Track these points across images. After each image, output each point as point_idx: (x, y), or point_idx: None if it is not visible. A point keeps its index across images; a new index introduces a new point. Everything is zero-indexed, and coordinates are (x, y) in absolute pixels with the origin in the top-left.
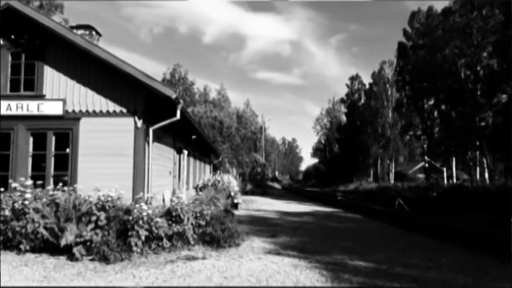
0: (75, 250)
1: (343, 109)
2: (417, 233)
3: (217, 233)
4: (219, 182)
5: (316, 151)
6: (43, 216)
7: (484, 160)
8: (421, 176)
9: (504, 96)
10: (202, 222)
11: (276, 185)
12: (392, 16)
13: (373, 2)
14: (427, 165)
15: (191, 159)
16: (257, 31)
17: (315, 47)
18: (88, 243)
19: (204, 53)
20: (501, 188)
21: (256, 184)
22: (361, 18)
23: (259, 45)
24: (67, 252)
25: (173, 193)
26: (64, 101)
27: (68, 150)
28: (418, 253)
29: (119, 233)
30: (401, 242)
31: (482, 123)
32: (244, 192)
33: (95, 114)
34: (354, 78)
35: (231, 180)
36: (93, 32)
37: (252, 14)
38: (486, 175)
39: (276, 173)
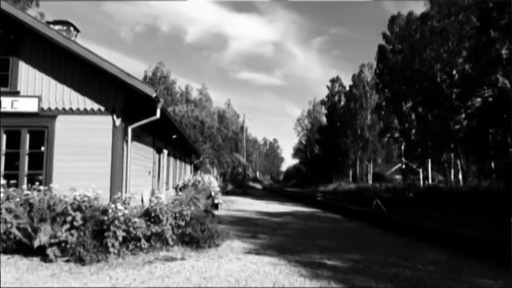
0: (49, 251)
1: (324, 111)
2: (394, 232)
3: (197, 233)
4: (199, 182)
5: (297, 152)
6: (16, 217)
7: (458, 162)
8: (398, 177)
9: (478, 99)
10: (182, 223)
11: (257, 186)
12: (373, 20)
13: (354, 6)
14: (404, 166)
15: (171, 159)
16: (240, 32)
17: (297, 49)
18: (63, 244)
19: (186, 53)
20: (474, 189)
21: (237, 184)
22: (342, 21)
23: (242, 46)
24: (41, 253)
25: (152, 193)
26: (39, 98)
27: (43, 148)
28: (395, 252)
29: (96, 234)
30: (379, 242)
31: (457, 126)
32: (225, 192)
33: (71, 112)
34: (334, 81)
35: (211, 181)
36: (71, 28)
37: (235, 15)
38: (460, 176)
39: (257, 173)
